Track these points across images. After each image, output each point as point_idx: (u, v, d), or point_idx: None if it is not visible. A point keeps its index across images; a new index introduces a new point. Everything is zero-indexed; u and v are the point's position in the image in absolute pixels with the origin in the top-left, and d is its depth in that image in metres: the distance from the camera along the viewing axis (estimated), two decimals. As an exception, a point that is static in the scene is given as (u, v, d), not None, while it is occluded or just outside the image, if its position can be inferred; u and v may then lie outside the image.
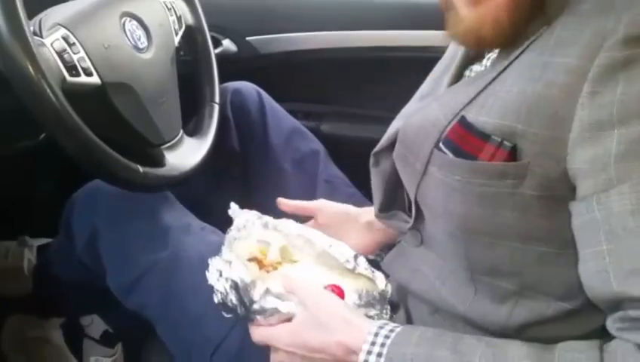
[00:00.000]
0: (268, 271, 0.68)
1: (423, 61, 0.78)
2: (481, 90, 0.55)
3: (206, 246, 0.73)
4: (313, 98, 0.92)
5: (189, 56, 0.94)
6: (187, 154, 0.82)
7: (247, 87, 0.98)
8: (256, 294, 0.63)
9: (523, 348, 0.51)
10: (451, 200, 0.56)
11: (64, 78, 0.63)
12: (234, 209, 0.74)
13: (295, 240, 0.74)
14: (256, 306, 0.63)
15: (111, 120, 0.71)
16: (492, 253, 0.57)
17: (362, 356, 0.55)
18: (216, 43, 1.14)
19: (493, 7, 0.54)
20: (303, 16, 1.18)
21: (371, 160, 0.73)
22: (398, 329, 0.57)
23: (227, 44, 1.16)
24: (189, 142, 0.84)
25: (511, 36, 0.55)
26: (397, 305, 0.73)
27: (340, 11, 1.17)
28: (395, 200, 0.72)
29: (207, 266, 0.66)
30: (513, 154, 0.51)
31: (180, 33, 0.87)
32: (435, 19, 0.66)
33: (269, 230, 0.75)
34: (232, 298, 0.64)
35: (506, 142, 0.51)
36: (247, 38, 1.17)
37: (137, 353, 0.92)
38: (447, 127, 0.56)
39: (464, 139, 0.54)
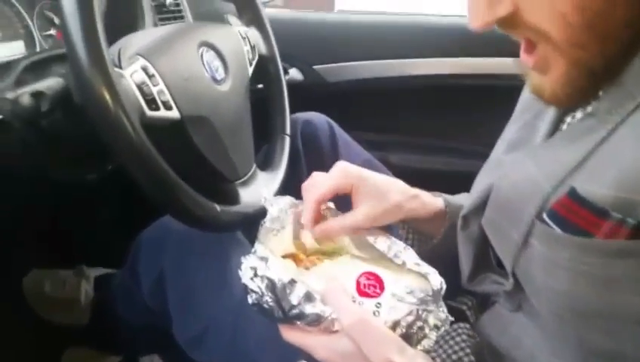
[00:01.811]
0: (307, 268, 0.60)
1: (501, 90, 0.71)
2: (591, 152, 0.47)
3: None
4: (382, 127, 0.87)
5: (260, 85, 0.90)
6: (260, 190, 0.77)
7: (318, 118, 0.93)
8: (294, 297, 0.55)
9: None
10: (558, 279, 0.49)
11: (143, 112, 0.60)
12: (267, 198, 0.66)
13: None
14: (295, 311, 0.56)
15: (187, 155, 0.67)
16: (611, 338, 0.49)
17: None
18: (283, 72, 1.10)
19: (558, 74, 0.48)
20: (371, 43, 1.14)
21: (459, 222, 0.66)
22: None
23: (293, 72, 1.13)
24: (261, 177, 0.80)
25: (592, 91, 0.49)
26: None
27: (411, 37, 1.12)
28: (485, 263, 0.64)
29: (239, 264, 0.58)
30: (637, 231, 0.43)
31: (254, 63, 0.84)
32: (514, 45, 0.60)
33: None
34: (268, 299, 0.56)
35: (629, 220, 0.43)
36: (314, 67, 1.13)
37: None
38: (552, 195, 0.48)
39: (576, 214, 0.46)
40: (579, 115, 0.55)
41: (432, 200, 0.71)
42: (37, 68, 0.72)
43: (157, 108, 0.61)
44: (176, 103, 0.63)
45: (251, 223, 0.71)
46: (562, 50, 0.46)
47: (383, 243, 0.63)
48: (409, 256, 0.62)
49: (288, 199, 0.66)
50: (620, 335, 0.48)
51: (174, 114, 0.63)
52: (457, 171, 0.80)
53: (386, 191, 0.66)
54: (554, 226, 0.48)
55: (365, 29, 1.17)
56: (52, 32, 0.86)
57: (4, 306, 1.03)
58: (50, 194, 0.98)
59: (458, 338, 0.70)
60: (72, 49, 0.54)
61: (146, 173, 0.58)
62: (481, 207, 0.62)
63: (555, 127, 0.58)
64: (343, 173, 0.65)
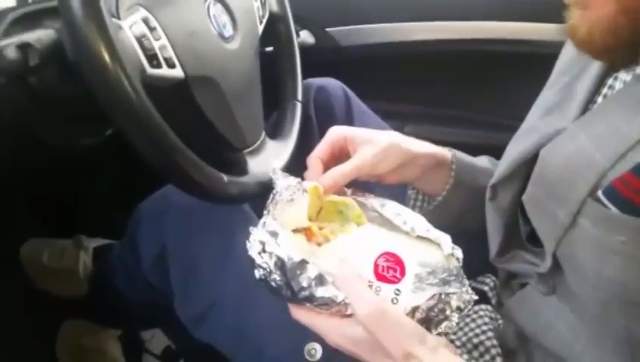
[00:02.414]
0: (319, 244, 0.55)
1: (527, 57, 0.65)
2: None
3: None
4: (398, 96, 0.81)
5: (270, 48, 0.84)
6: (269, 159, 0.71)
7: (332, 84, 0.87)
8: (305, 279, 0.51)
9: None
10: (610, 264, 0.45)
11: (144, 70, 0.54)
12: (276, 172, 0.61)
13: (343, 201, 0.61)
14: (305, 293, 0.51)
15: (191, 120, 0.61)
16: None
17: None
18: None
19: (602, 14, 0.43)
20: (389, 4, 1.07)
21: (488, 192, 0.61)
22: None
23: (305, 35, 1.06)
24: (271, 146, 0.74)
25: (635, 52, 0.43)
26: (515, 352, 0.61)
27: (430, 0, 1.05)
28: (515, 238, 0.60)
29: (247, 236, 0.54)
30: None
31: (264, 21, 0.77)
32: (546, 10, 0.55)
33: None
34: (277, 277, 0.52)
35: None
36: (327, 29, 1.06)
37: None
38: (609, 171, 0.44)
39: (639, 193, 0.42)
40: (623, 76, 0.50)
41: (435, 147, 0.67)
42: (27, 20, 0.66)
43: (159, 66, 0.55)
44: (180, 61, 0.57)
45: (260, 196, 0.66)
46: None
47: (391, 209, 0.59)
48: (418, 221, 0.57)
49: (296, 179, 0.61)
50: None
51: (178, 73, 0.57)
52: (479, 144, 0.75)
53: (381, 135, 0.64)
54: (610, 206, 0.43)
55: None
56: (45, -17, 0.80)
57: (1, 275, 1.00)
58: (46, 160, 0.93)
59: (480, 321, 0.66)
60: (65, -2, 0.48)
61: (147, 137, 0.52)
62: (513, 176, 0.58)
63: (596, 90, 0.53)
64: (335, 130, 0.64)
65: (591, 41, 0.45)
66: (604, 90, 0.52)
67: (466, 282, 0.54)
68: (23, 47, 0.54)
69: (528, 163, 0.55)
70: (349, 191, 0.63)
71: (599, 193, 0.44)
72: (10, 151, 0.77)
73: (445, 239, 0.56)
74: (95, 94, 0.51)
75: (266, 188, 0.63)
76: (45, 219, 1.10)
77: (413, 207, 0.72)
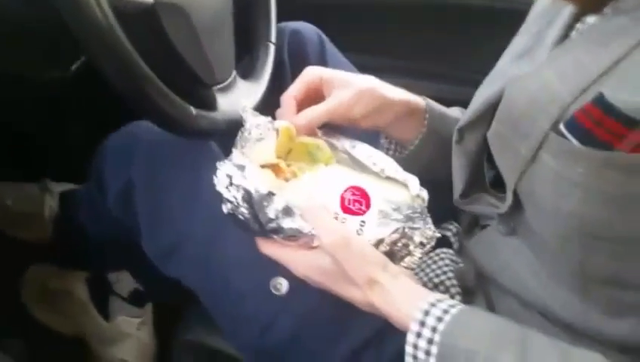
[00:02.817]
0: (287, 180, 0.56)
1: (508, 13, 0.65)
2: (623, 56, 0.42)
3: None
4: (373, 47, 0.80)
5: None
6: (239, 98, 0.70)
7: (307, 28, 0.86)
8: (272, 210, 0.52)
9: None
10: (569, 198, 0.45)
11: (112, -7, 0.52)
12: (246, 110, 0.61)
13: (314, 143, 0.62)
14: (272, 225, 0.53)
15: (159, 50, 0.60)
16: (618, 262, 0.46)
17: (411, 337, 0.48)
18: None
19: None
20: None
21: (455, 136, 0.62)
22: (453, 311, 0.47)
23: (281, -22, 1.03)
24: (241, 85, 0.73)
25: None
26: (473, 291, 0.63)
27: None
28: (479, 182, 0.61)
29: (215, 171, 0.55)
30: None
31: (239, -42, 0.75)
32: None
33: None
34: (244, 210, 0.53)
35: None
36: (304, -29, 1.04)
37: (171, 316, 0.83)
38: (572, 104, 0.44)
39: (599, 123, 0.42)
40: (591, 20, 0.50)
41: (410, 95, 0.67)
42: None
43: (127, -11, 0.53)
44: (148, -15, 0.55)
45: (228, 132, 0.65)
46: None
47: (362, 150, 0.60)
48: (388, 163, 0.58)
49: (267, 118, 0.61)
50: (628, 260, 0.46)
51: (146, -3, 0.55)
52: (457, 99, 0.74)
53: (357, 78, 0.64)
54: (571, 138, 0.44)
55: None
56: None
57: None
58: (9, 97, 0.90)
59: (441, 263, 0.68)
60: None
61: (116, 63, 0.51)
62: (479, 119, 0.59)
63: (565, 34, 0.53)
64: (311, 69, 0.63)
65: None
66: (572, 34, 0.53)
67: (429, 220, 0.56)
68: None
69: (495, 105, 0.55)
70: (320, 132, 0.63)
71: (561, 125, 0.45)
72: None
73: (413, 180, 0.57)
74: (61, 19, 0.49)
75: (234, 125, 0.62)
76: (11, 163, 1.07)
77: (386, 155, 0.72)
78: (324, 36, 0.87)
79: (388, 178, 0.57)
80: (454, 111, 0.71)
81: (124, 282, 0.96)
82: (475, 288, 0.63)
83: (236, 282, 0.63)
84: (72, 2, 0.48)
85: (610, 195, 0.43)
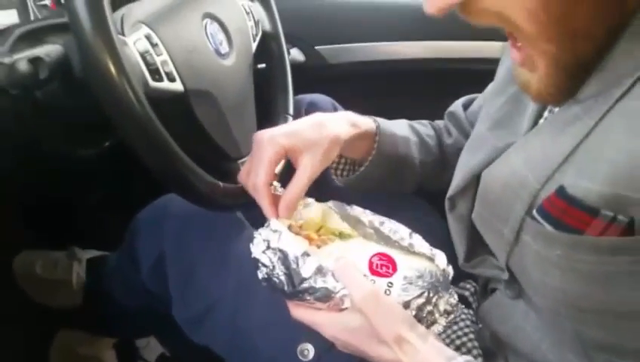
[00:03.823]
0: (318, 247, 0.58)
1: None
2: (578, 145, 0.45)
3: None
4: (386, 111, 0.85)
5: (262, 65, 0.88)
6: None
7: (323, 99, 0.91)
8: (306, 271, 0.54)
9: None
10: (551, 275, 0.48)
11: (147, 83, 0.57)
12: (277, 188, 0.64)
13: (344, 219, 0.64)
14: (305, 285, 0.54)
15: (189, 130, 0.65)
16: (607, 331, 0.48)
17: None
18: (285, 51, 1.07)
19: (542, 74, 0.46)
20: (375, 24, 1.12)
21: (447, 204, 0.64)
22: None
23: (295, 53, 1.10)
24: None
25: (577, 87, 0.46)
26: (494, 352, 0.65)
27: (417, 19, 1.10)
28: (481, 244, 0.62)
29: (251, 239, 0.57)
30: (628, 229, 0.42)
31: (258, 39, 0.81)
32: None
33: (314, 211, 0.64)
34: (279, 272, 0.55)
35: (620, 217, 0.41)
36: (316, 48, 1.11)
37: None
38: (541, 191, 0.47)
39: (565, 212, 0.45)
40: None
41: (361, 120, 0.70)
42: (32, 37, 0.69)
43: (160, 80, 0.58)
44: (180, 75, 0.60)
45: (254, 204, 0.69)
46: (537, 45, 0.44)
47: (389, 227, 0.62)
48: (415, 239, 0.61)
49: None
50: (616, 329, 0.48)
51: (178, 86, 0.60)
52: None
53: (311, 131, 0.64)
54: (544, 223, 0.47)
55: (368, 10, 1.14)
56: (46, 1, 0.83)
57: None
58: (43, 170, 0.95)
59: (462, 324, 0.69)
60: (74, 13, 0.52)
61: (149, 145, 0.55)
62: (467, 188, 0.61)
63: (544, 106, 0.55)
64: (271, 147, 0.61)
65: (541, 96, 0.49)
66: (550, 115, 0.54)
67: (452, 290, 0.58)
68: (34, 61, 0.57)
69: (479, 175, 0.58)
70: (349, 209, 0.65)
71: (534, 211, 0.47)
72: (11, 161, 0.79)
73: (440, 255, 0.60)
74: (100, 106, 0.54)
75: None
76: (40, 231, 1.11)
77: (336, 175, 0.75)
78: (338, 105, 0.92)
79: (415, 253, 0.60)
80: (402, 128, 0.75)
81: (151, 347, 0.97)
82: (494, 351, 0.64)
83: (264, 348, 0.64)
84: (110, 91, 0.53)
85: (585, 273, 0.45)
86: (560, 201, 0.45)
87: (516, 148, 0.53)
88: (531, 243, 0.49)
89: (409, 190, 0.80)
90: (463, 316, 0.70)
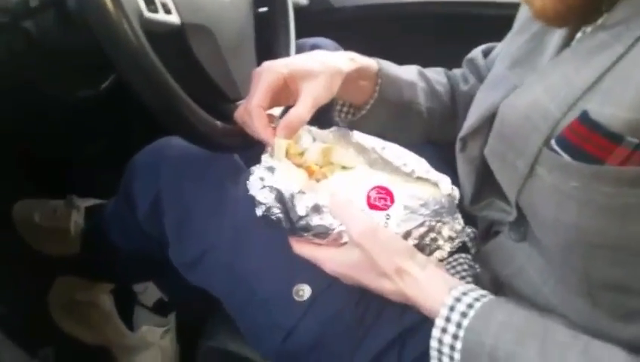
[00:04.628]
0: (318, 180, 0.58)
1: None
2: (605, 72, 0.43)
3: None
4: (393, 58, 0.82)
5: (264, 9, 0.85)
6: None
7: (327, 43, 0.88)
8: (302, 208, 0.54)
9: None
10: (566, 210, 0.46)
11: (141, 13, 0.55)
12: (277, 120, 0.63)
13: (345, 147, 0.63)
14: (302, 222, 0.55)
15: (186, 68, 0.63)
16: (619, 269, 0.47)
17: (436, 333, 0.50)
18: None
19: None
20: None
21: (457, 144, 0.63)
22: (477, 306, 0.49)
23: (297, -5, 1.06)
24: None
25: (591, 11, 0.45)
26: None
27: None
28: (489, 187, 0.62)
29: (247, 176, 0.57)
30: None
31: (258, -24, 0.78)
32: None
33: (315, 140, 0.64)
34: (276, 210, 0.56)
35: None
36: (320, -10, 1.07)
37: (195, 325, 0.85)
38: (562, 120, 0.45)
39: (587, 140, 0.43)
40: (589, 29, 0.51)
41: (362, 59, 0.68)
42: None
43: (155, 10, 0.56)
44: (176, 7, 0.59)
45: (252, 146, 0.68)
46: None
47: (392, 152, 0.61)
48: (418, 164, 0.61)
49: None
50: (628, 267, 0.47)
51: (174, 18, 0.58)
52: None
53: (314, 62, 0.62)
54: (563, 154, 0.45)
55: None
56: None
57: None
58: (40, 117, 0.93)
59: (459, 268, 0.69)
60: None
61: (145, 78, 0.54)
62: (481, 127, 0.60)
63: (567, 43, 0.53)
64: (270, 71, 0.60)
65: (544, 13, 0.47)
66: (573, 44, 0.53)
67: (459, 215, 0.58)
68: (24, -12, 0.55)
69: (496, 113, 0.56)
70: (352, 135, 0.63)
71: (552, 141, 0.46)
72: (7, 107, 0.78)
73: (444, 179, 0.59)
74: (94, 42, 0.52)
75: (258, 140, 0.65)
76: (38, 180, 1.10)
77: (339, 117, 0.74)
78: (341, 49, 0.89)
79: (419, 178, 0.60)
80: (409, 72, 0.73)
81: (149, 292, 0.98)
82: (492, 294, 0.64)
83: (260, 289, 0.64)
84: (106, 24, 0.51)
85: (603, 206, 0.44)
86: (582, 127, 0.43)
87: (536, 79, 0.51)
88: (546, 176, 0.47)
89: (416, 139, 0.78)
90: (461, 260, 0.70)
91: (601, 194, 0.43)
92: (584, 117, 0.43)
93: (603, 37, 0.45)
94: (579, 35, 0.53)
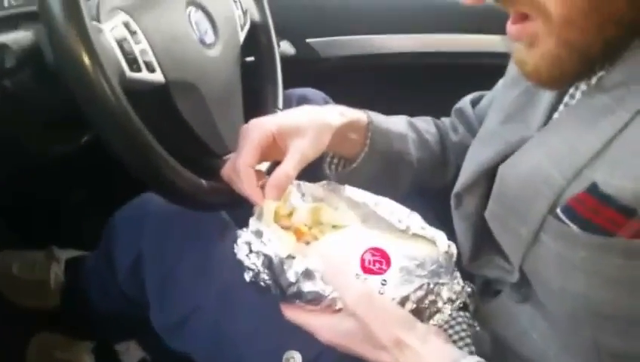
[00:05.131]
0: (307, 243, 0.56)
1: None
2: (612, 139, 0.42)
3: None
4: (379, 107, 0.82)
5: (251, 58, 0.84)
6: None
7: (314, 94, 0.87)
8: (292, 274, 0.51)
9: None
10: (573, 280, 0.45)
11: (123, 73, 0.53)
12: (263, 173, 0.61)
13: (336, 202, 0.61)
14: (293, 289, 0.52)
15: (171, 125, 0.61)
16: (629, 339, 0.46)
17: None
18: (275, 44, 1.04)
19: (546, 50, 0.44)
20: (368, 17, 1.08)
21: (452, 201, 0.62)
22: None
23: (285, 46, 1.06)
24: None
25: (586, 73, 0.45)
26: (491, 358, 0.62)
27: (411, 12, 1.07)
28: (488, 244, 0.60)
29: (234, 240, 0.54)
30: None
31: (245, 30, 0.77)
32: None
33: (305, 195, 0.62)
34: (265, 276, 0.53)
35: None
36: (308, 40, 1.07)
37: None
38: (567, 188, 0.44)
39: (597, 212, 0.42)
40: (584, 86, 0.50)
41: (352, 112, 0.67)
42: (3, 24, 0.65)
43: (139, 70, 0.55)
44: (160, 65, 0.57)
45: (240, 204, 0.65)
46: (558, 29, 0.42)
47: (385, 207, 0.59)
48: (413, 220, 0.58)
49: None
50: (638, 337, 0.45)
51: (158, 77, 0.57)
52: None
53: (302, 118, 0.61)
54: (570, 224, 0.44)
55: (360, 2, 1.11)
56: (22, -12, 0.79)
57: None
58: (18, 167, 0.91)
59: (457, 327, 0.66)
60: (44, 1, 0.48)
61: (126, 141, 0.52)
62: (476, 184, 0.58)
63: (559, 98, 0.53)
64: (258, 128, 0.59)
65: (538, 75, 0.46)
66: (566, 99, 0.52)
67: (458, 274, 0.56)
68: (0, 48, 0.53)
69: (491, 170, 0.55)
70: (344, 191, 0.62)
71: (558, 211, 0.44)
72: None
73: (440, 236, 0.57)
74: (74, 97, 0.50)
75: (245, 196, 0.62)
76: (19, 230, 1.07)
77: (330, 170, 0.72)
78: (330, 100, 0.88)
79: (414, 235, 0.57)
80: (399, 124, 0.72)
81: (131, 352, 0.94)
82: (492, 356, 0.62)
83: (247, 356, 0.61)
84: (83, 82, 0.49)
85: (612, 278, 0.42)
86: (591, 199, 0.42)
87: (536, 142, 0.50)
88: (552, 245, 0.46)
89: (407, 189, 0.76)
90: (460, 319, 0.67)
91: (611, 265, 0.42)
92: (593, 189, 0.42)
93: (604, 100, 0.44)
94: (571, 90, 0.52)
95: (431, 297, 0.53)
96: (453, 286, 0.54)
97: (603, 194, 0.41)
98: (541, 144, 0.49)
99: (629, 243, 0.40)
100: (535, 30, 0.44)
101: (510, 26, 0.46)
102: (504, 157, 0.53)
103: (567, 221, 0.44)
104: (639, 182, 0.39)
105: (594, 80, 0.48)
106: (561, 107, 0.52)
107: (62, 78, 0.50)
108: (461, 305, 0.55)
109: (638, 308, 0.43)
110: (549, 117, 0.53)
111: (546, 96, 0.54)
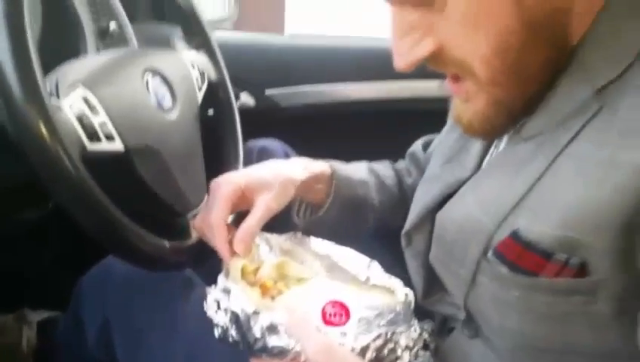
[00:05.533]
0: (273, 298, 0.58)
1: None
2: (531, 187, 0.46)
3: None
4: (339, 153, 0.85)
5: (211, 112, 0.87)
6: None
7: (274, 145, 0.91)
8: (258, 330, 0.54)
9: None
10: (509, 317, 0.48)
11: (84, 146, 0.55)
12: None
13: (302, 255, 0.64)
14: (259, 344, 0.54)
15: (134, 190, 0.63)
16: None
17: None
18: (234, 97, 1.06)
19: (477, 108, 0.49)
20: (324, 67, 1.13)
21: (402, 240, 0.65)
22: None
23: (245, 97, 1.09)
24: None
25: (513, 125, 0.50)
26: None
27: (365, 61, 1.12)
28: (438, 282, 0.62)
29: (204, 296, 0.57)
30: (581, 270, 0.43)
31: (203, 90, 0.80)
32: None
33: (273, 248, 0.65)
34: (233, 333, 0.55)
35: (573, 260, 0.43)
36: (267, 91, 1.10)
37: None
38: (495, 233, 0.48)
39: (520, 256, 0.46)
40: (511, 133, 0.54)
41: (316, 165, 0.72)
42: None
43: (98, 140, 0.57)
44: (119, 134, 0.59)
45: (206, 260, 0.67)
46: (485, 88, 0.47)
47: (347, 259, 0.62)
48: (374, 270, 0.61)
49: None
50: None
51: (117, 145, 0.59)
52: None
53: (268, 173, 0.66)
54: (500, 266, 0.47)
55: (317, 53, 1.16)
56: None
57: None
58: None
59: None
60: (3, 78, 0.50)
61: (87, 211, 0.54)
62: (422, 223, 0.61)
63: (489, 143, 0.57)
64: (227, 184, 0.63)
65: (472, 128, 0.51)
66: (495, 143, 0.57)
67: (415, 321, 0.58)
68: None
69: (434, 211, 0.59)
70: (308, 244, 0.65)
71: (489, 255, 0.48)
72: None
73: (399, 285, 0.60)
74: (37, 172, 0.52)
75: (209, 251, 0.64)
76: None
77: (297, 216, 0.75)
78: (289, 150, 0.92)
79: (374, 286, 0.60)
80: (360, 171, 0.77)
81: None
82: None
83: None
84: (44, 159, 0.51)
85: (543, 314, 0.46)
86: (515, 245, 0.46)
87: (469, 188, 0.54)
88: (488, 285, 0.49)
89: (368, 228, 0.80)
90: (420, 359, 0.69)
91: (540, 303, 0.45)
92: (515, 235, 0.45)
93: (529, 147, 0.48)
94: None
95: (390, 345, 0.55)
96: (411, 334, 0.56)
97: (523, 240, 0.45)
98: (472, 191, 0.53)
99: (552, 283, 0.44)
100: (468, 89, 0.48)
101: (447, 84, 0.51)
102: (447, 197, 0.57)
103: (497, 264, 0.47)
104: (556, 228, 0.42)
105: (517, 127, 0.52)
106: (492, 149, 0.57)
107: (22, 153, 0.52)
108: (420, 349, 0.57)
109: (570, 341, 0.46)
110: (482, 159, 0.57)
111: (476, 144, 0.58)
